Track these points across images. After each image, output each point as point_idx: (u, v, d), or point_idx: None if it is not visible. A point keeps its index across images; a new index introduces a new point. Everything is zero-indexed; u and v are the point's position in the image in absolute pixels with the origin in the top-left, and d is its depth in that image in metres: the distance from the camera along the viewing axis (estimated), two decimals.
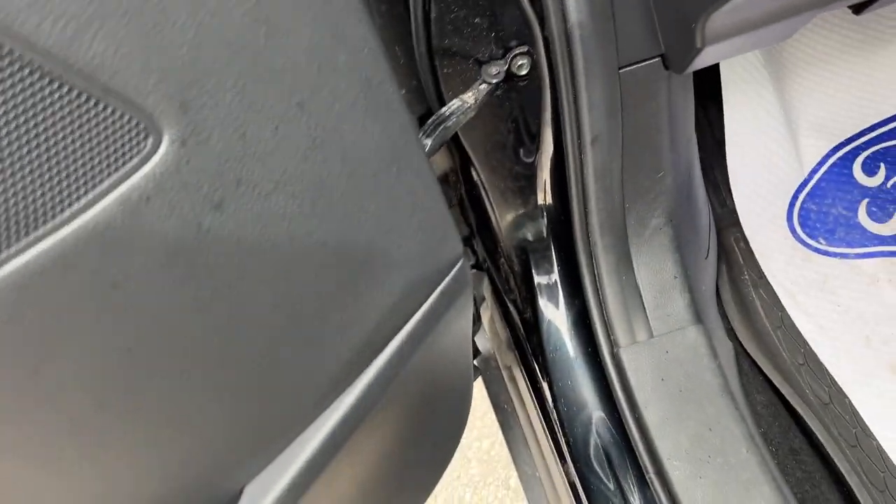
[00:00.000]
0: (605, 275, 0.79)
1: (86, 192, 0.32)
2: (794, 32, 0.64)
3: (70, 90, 0.31)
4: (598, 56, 0.65)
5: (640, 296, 0.79)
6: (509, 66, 0.71)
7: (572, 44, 0.64)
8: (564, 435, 0.81)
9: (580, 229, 0.78)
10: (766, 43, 0.68)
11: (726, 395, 0.74)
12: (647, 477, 0.74)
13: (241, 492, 0.49)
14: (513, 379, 0.98)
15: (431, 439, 0.74)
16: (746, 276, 0.99)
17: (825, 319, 0.95)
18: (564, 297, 0.84)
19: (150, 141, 0.33)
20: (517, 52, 0.71)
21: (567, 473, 0.83)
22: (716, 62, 0.70)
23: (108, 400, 0.40)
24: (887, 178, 0.99)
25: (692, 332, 0.77)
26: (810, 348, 0.92)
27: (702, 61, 0.64)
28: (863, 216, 1.00)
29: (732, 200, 1.00)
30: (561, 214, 0.81)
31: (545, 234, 0.84)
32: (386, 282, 0.51)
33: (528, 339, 0.87)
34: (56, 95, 0.30)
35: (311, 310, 0.47)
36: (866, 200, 1.00)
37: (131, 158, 0.33)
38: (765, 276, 0.98)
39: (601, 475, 0.77)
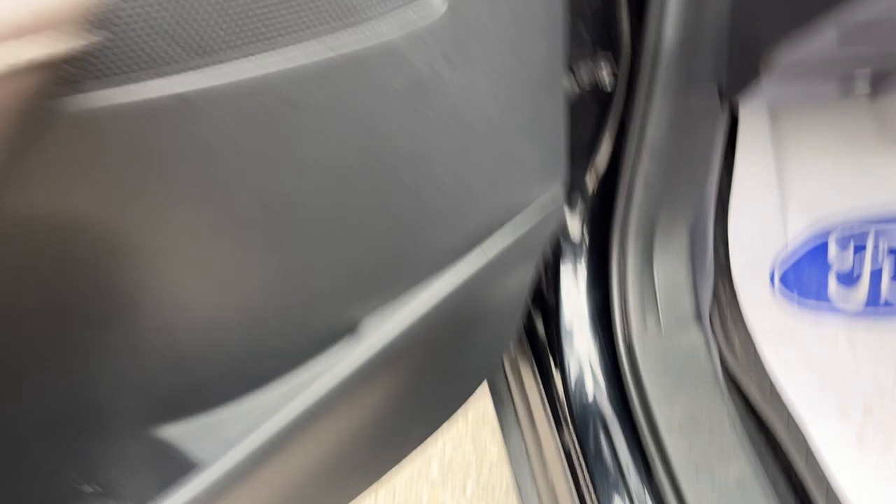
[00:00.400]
0: (631, 272, 0.91)
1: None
2: (837, 97, 0.80)
3: None
4: (677, 75, 0.79)
5: (656, 294, 0.92)
6: (595, 73, 0.84)
7: (660, 61, 0.78)
8: (569, 406, 0.92)
9: (619, 229, 0.90)
10: (812, 97, 0.83)
11: (716, 383, 0.86)
12: (643, 444, 0.85)
13: (357, 323, 0.58)
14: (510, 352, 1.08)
15: (460, 367, 0.83)
16: (727, 312, 1.13)
17: (791, 363, 1.10)
18: (588, 286, 0.96)
19: None
20: (602, 58, 0.84)
21: (563, 441, 0.93)
22: (761, 99, 0.85)
23: (275, 212, 0.48)
24: (855, 252, 1.17)
25: (694, 329, 0.90)
26: (774, 382, 1.06)
27: (752, 92, 0.79)
28: (832, 283, 1.16)
29: (726, 247, 1.15)
30: (599, 213, 0.94)
31: (581, 229, 0.97)
32: (504, 188, 0.62)
33: (544, 319, 0.98)
34: None
35: (445, 188, 0.58)
36: (836, 271, 1.17)
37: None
38: (742, 317, 1.13)
39: (602, 443, 0.88)
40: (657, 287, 0.92)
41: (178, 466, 0.61)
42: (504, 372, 1.10)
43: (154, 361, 0.55)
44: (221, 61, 0.39)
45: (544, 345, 0.98)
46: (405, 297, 0.61)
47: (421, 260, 0.61)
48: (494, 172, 0.60)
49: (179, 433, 0.61)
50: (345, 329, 0.60)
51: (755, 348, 1.09)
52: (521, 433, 1.05)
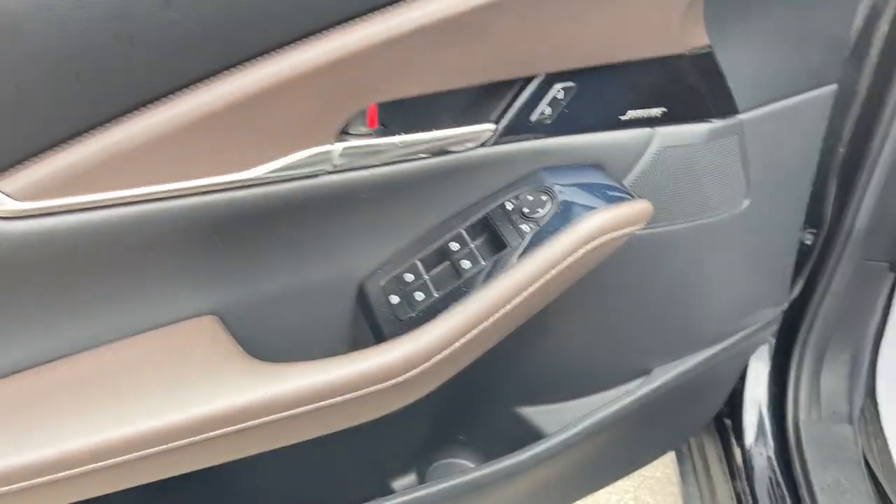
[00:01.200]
0: (805, 376, 1.29)
1: None
2: None
3: None
4: (862, 248, 1.17)
5: (820, 395, 1.29)
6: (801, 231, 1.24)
7: (851, 237, 1.17)
8: (745, 463, 1.29)
9: (800, 344, 1.28)
10: None
11: (858, 465, 1.22)
12: (800, 497, 1.20)
13: (651, 370, 1.00)
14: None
15: (678, 424, 1.22)
16: (870, 429, 1.47)
17: None
18: (769, 376, 1.33)
19: None
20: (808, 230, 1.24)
21: (735, 489, 1.30)
22: None
23: None
24: None
25: (846, 425, 1.26)
26: None
27: None
28: None
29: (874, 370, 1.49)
30: (786, 326, 1.32)
31: (772, 335, 1.35)
32: (750, 306, 1.03)
33: (731, 393, 1.36)
34: None
35: (715, 297, 0.99)
36: None
37: None
38: (882, 431, 1.46)
39: (770, 492, 1.24)
40: (822, 391, 1.29)
41: (525, 434, 1.04)
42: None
43: (540, 365, 0.99)
44: None
45: (726, 413, 1.36)
46: (679, 361, 1.03)
47: (687, 338, 1.03)
48: (745, 295, 1.01)
49: (532, 412, 1.04)
50: (642, 372, 1.02)
51: (888, 449, 1.41)
52: (697, 482, 1.42)
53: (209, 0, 0.53)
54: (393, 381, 0.67)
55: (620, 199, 0.72)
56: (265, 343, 0.73)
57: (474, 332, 0.68)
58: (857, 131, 1.12)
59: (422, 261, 0.74)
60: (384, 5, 0.59)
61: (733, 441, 1.33)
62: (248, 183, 0.60)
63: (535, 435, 1.03)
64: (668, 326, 0.98)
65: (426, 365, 0.68)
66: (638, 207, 0.71)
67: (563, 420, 1.02)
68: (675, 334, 1.00)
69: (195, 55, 0.56)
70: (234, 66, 0.57)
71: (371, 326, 0.74)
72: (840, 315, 1.26)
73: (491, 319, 0.68)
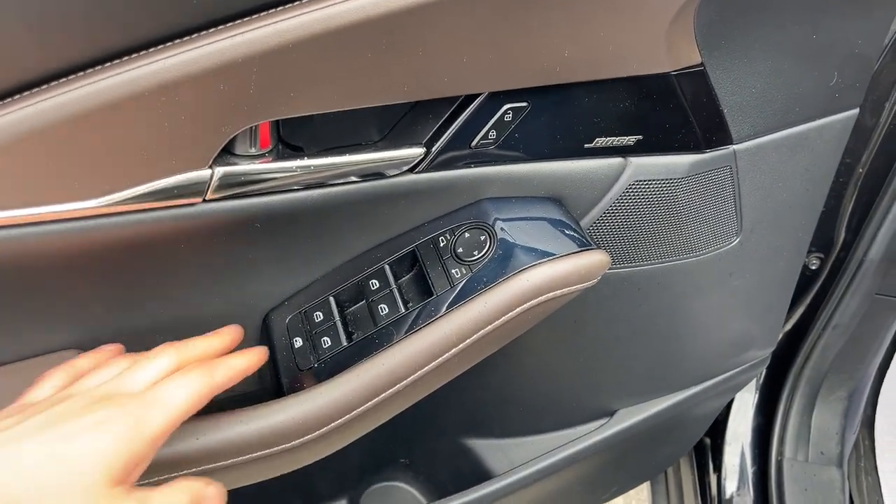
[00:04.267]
0: (794, 413, 1.17)
1: None
2: None
3: None
4: (872, 281, 1.04)
5: (810, 434, 1.17)
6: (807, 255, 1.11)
7: (862, 268, 1.03)
8: (719, 500, 1.18)
9: (793, 377, 1.17)
10: None
11: None
12: None
13: (615, 411, 0.89)
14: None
15: (651, 457, 1.12)
16: (863, 464, 1.35)
17: None
18: (755, 409, 1.22)
19: None
20: (814, 253, 1.11)
21: None
22: None
23: None
24: None
25: (834, 470, 1.15)
26: None
27: None
28: None
29: (874, 409, 1.37)
30: (778, 357, 1.20)
31: (761, 374, 1.23)
32: (737, 347, 0.91)
33: (712, 424, 1.25)
34: None
35: (696, 343, 0.87)
36: None
37: None
38: (876, 467, 1.35)
39: None
40: (812, 429, 1.17)
41: (471, 466, 0.93)
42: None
43: (491, 397, 0.88)
44: None
45: (706, 445, 1.25)
46: (648, 404, 0.91)
47: (661, 381, 0.91)
48: (731, 337, 0.89)
49: (480, 445, 0.94)
50: (606, 413, 0.90)
51: (880, 487, 1.30)
52: None
53: None
54: (281, 447, 0.57)
55: (574, 246, 0.60)
56: None
57: (381, 396, 0.57)
58: (879, 151, 0.98)
59: (335, 297, 0.63)
60: (276, 4, 0.46)
61: (711, 468, 1.22)
62: (90, 214, 0.49)
63: (480, 468, 0.93)
64: (637, 367, 0.86)
65: (322, 430, 0.57)
66: (591, 260, 0.59)
67: (511, 458, 0.91)
68: (644, 376, 0.88)
69: (20, 57, 0.43)
70: (73, 71, 0.45)
71: (271, 369, 0.64)
72: (841, 348, 1.13)
73: (401, 385, 0.57)
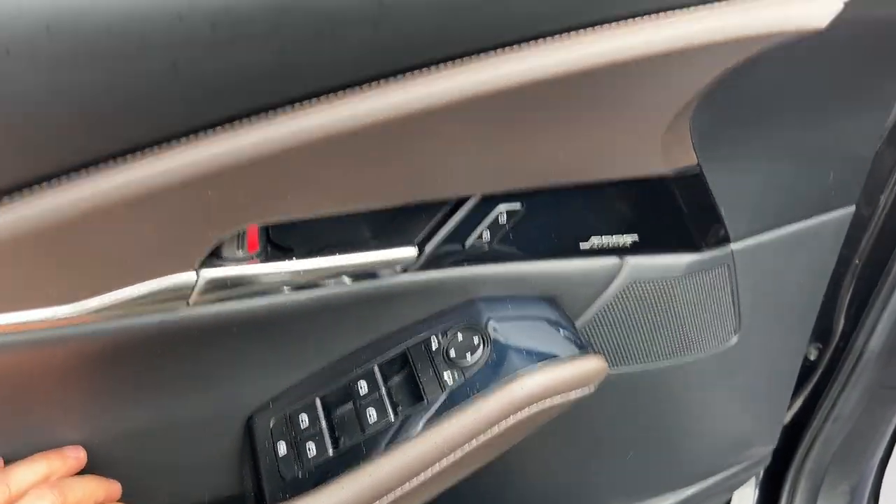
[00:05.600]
0: None
1: None
2: None
3: None
4: (873, 373, 1.02)
5: None
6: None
7: (862, 359, 1.01)
8: None
9: (795, 470, 1.13)
10: None
11: None
12: None
13: None
14: None
15: None
16: None
17: None
18: (757, 501, 1.18)
19: None
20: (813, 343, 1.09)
21: None
22: None
23: None
24: None
25: None
26: None
27: None
28: None
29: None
30: (779, 448, 1.16)
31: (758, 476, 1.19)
32: (740, 446, 0.88)
33: None
34: None
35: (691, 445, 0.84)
36: None
37: None
38: None
39: None
40: None
41: None
42: None
43: (481, 496, 0.84)
44: None
45: None
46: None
47: (657, 480, 0.88)
48: (730, 436, 0.86)
49: None
50: None
51: None
52: None
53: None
54: None
55: (570, 349, 0.58)
56: (138, 482, 0.59)
57: None
58: (876, 242, 0.97)
59: (322, 398, 0.61)
60: (260, 111, 0.45)
61: None
62: (68, 321, 0.47)
63: None
64: (632, 467, 0.83)
65: None
66: (588, 367, 0.57)
67: None
68: (640, 475, 0.85)
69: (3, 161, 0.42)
70: (57, 175, 0.43)
71: (253, 476, 0.60)
72: (842, 441, 1.10)
73: (387, 498, 0.54)
